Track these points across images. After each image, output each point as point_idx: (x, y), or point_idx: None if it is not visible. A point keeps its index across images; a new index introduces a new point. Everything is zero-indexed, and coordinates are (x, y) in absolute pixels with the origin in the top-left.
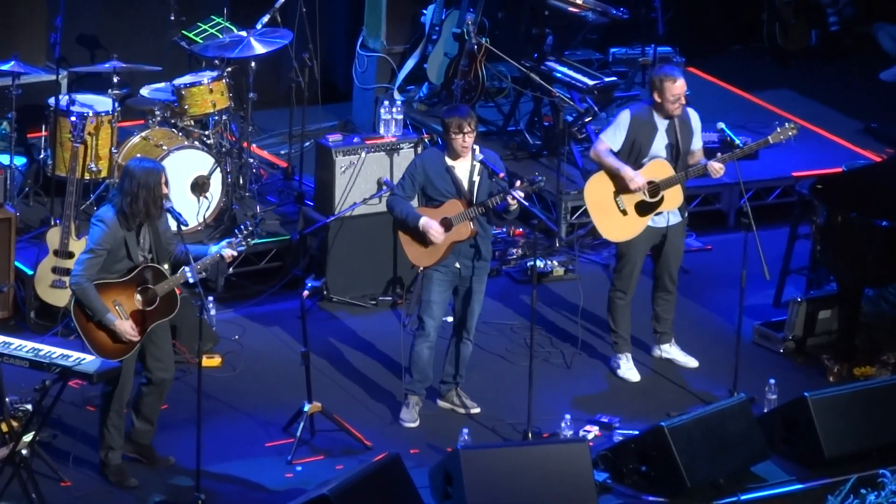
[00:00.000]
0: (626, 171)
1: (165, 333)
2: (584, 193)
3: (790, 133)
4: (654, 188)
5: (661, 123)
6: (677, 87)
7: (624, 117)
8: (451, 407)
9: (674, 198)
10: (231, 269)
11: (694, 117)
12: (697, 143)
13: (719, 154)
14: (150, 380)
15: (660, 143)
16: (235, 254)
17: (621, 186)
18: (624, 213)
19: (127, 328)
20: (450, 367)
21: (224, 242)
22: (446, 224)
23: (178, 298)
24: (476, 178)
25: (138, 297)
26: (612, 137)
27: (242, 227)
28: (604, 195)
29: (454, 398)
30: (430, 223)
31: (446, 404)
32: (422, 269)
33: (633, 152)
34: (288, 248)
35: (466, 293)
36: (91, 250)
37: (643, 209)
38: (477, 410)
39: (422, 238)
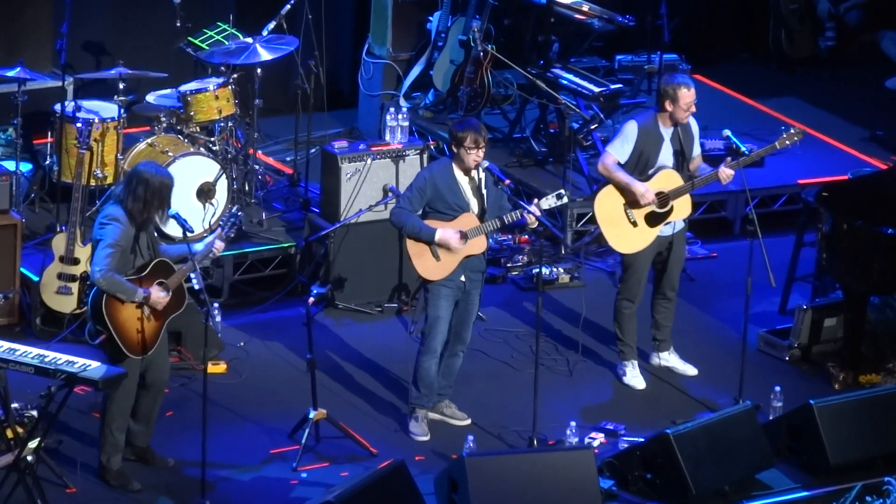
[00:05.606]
0: (637, 186)
1: (164, 335)
2: (595, 208)
3: (796, 138)
4: (664, 198)
5: (666, 132)
6: (691, 95)
7: (631, 129)
8: (442, 418)
9: (683, 207)
10: (236, 276)
11: (693, 123)
12: (697, 150)
13: (729, 160)
14: (145, 380)
15: (666, 152)
16: (223, 245)
17: (631, 199)
18: (634, 224)
19: (159, 295)
20: (444, 380)
21: (210, 237)
22: (462, 237)
23: (185, 291)
24: (485, 191)
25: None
26: (620, 150)
27: (228, 214)
28: (614, 209)
29: (444, 409)
30: (448, 235)
31: (435, 415)
32: (426, 283)
33: (641, 163)
34: (293, 255)
35: (465, 306)
36: (109, 245)
37: (653, 220)
38: (467, 422)
39: (433, 250)
